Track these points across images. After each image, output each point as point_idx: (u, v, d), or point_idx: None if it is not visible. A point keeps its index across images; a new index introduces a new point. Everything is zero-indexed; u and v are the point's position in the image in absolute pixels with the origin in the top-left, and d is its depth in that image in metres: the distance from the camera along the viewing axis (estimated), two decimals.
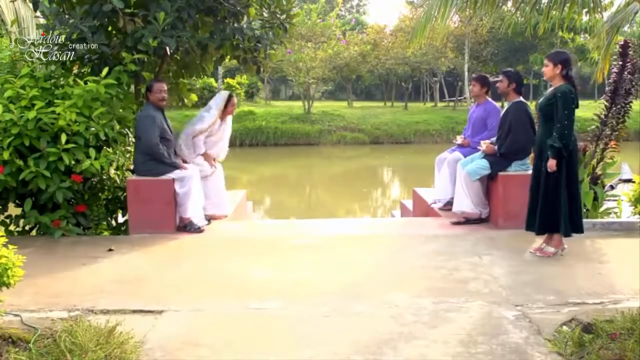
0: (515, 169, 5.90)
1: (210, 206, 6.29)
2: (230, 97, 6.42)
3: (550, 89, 4.89)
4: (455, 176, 6.25)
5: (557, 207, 4.74)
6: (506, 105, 6.04)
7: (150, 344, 3.25)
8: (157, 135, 5.69)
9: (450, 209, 6.38)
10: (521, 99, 5.91)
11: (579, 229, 4.85)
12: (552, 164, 4.67)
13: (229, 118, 6.57)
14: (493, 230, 5.83)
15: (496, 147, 5.94)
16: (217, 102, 6.38)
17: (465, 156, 6.26)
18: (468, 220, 6.06)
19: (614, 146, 6.85)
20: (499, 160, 5.91)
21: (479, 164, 5.95)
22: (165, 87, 5.89)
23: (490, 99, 6.56)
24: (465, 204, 6.04)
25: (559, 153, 4.63)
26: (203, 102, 31.77)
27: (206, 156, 6.34)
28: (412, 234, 5.93)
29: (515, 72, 6.03)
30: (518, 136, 5.77)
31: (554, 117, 4.67)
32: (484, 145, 6.03)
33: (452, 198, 6.32)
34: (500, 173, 5.89)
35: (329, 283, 4.32)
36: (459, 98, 38.53)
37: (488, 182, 6.10)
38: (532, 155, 5.15)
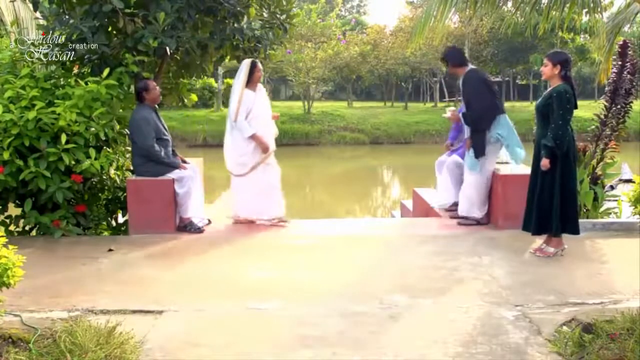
0: (495, 136, 5.85)
1: (259, 208, 6.11)
2: (254, 64, 5.99)
3: (548, 89, 4.89)
4: (456, 179, 6.32)
5: (551, 207, 4.75)
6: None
7: (150, 344, 3.25)
8: (152, 137, 5.67)
9: (452, 210, 6.39)
10: (471, 66, 6.07)
11: (573, 230, 4.84)
12: (545, 162, 4.70)
13: (262, 90, 6.17)
14: (493, 230, 5.83)
15: (460, 114, 6.05)
16: (239, 73, 5.98)
17: (462, 157, 6.26)
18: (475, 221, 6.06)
19: (613, 146, 6.86)
20: (473, 140, 5.90)
21: (469, 157, 5.98)
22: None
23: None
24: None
25: (552, 152, 4.65)
26: (203, 102, 31.57)
27: (256, 139, 5.94)
28: (412, 234, 5.93)
29: (449, 51, 6.27)
30: (476, 104, 5.85)
31: (550, 117, 4.68)
32: (449, 112, 6.18)
33: (456, 201, 6.33)
34: (500, 173, 5.89)
35: (329, 283, 4.32)
36: (459, 98, 38.46)
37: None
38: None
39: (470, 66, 6.08)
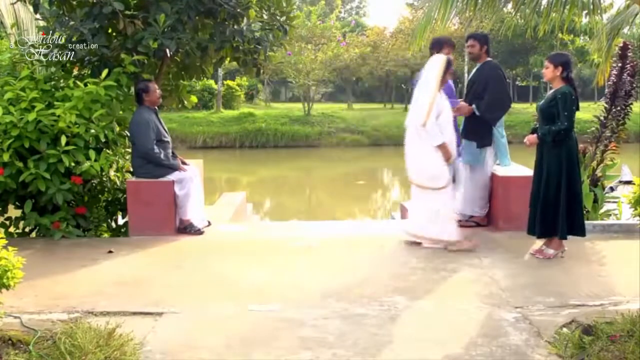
0: (496, 134, 5.85)
1: (448, 229, 5.20)
2: (450, 61, 5.12)
3: (550, 91, 4.90)
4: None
5: (557, 210, 4.74)
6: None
7: (150, 346, 3.25)
8: (152, 139, 5.67)
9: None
10: (491, 59, 5.98)
11: (579, 231, 4.84)
12: (532, 138, 4.81)
13: (443, 94, 5.24)
14: (493, 232, 5.82)
15: (474, 106, 5.81)
16: (432, 70, 5.10)
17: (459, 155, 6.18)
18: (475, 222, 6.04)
19: (613, 148, 6.86)
20: (478, 129, 5.83)
21: (470, 150, 5.92)
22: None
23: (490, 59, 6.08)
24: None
25: (542, 140, 4.73)
26: (203, 104, 31.51)
27: (443, 148, 5.08)
28: None
29: (483, 35, 6.09)
30: (496, 91, 5.75)
31: (554, 118, 4.68)
32: (460, 104, 5.92)
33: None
34: (501, 174, 5.88)
35: (329, 285, 4.31)
36: (459, 100, 38.49)
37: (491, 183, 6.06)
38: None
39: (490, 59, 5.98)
